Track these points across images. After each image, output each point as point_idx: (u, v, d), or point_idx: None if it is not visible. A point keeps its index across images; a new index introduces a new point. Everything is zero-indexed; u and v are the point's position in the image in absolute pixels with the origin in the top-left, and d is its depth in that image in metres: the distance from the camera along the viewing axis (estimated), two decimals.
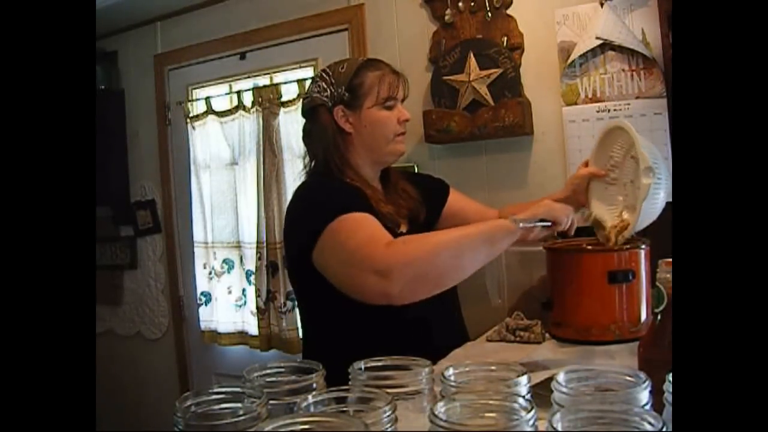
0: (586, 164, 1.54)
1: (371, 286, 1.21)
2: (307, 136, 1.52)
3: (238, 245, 2.70)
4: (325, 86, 1.47)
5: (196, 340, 2.89)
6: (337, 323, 1.39)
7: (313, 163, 1.50)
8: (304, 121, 1.53)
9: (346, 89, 1.44)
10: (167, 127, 2.95)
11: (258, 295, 2.56)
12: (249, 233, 2.63)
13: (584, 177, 1.51)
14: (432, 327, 1.41)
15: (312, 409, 0.72)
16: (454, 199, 1.69)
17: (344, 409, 0.74)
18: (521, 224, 1.22)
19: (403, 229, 1.49)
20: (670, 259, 0.89)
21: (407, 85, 1.52)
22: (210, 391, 0.78)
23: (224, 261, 2.77)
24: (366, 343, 1.16)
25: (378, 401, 0.72)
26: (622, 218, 1.43)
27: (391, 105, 1.46)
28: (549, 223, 1.26)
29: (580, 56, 1.99)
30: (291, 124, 2.48)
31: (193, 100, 2.83)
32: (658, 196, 1.33)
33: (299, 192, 1.45)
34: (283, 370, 0.88)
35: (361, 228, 1.28)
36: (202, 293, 2.82)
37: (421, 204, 1.56)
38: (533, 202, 1.65)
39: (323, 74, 1.50)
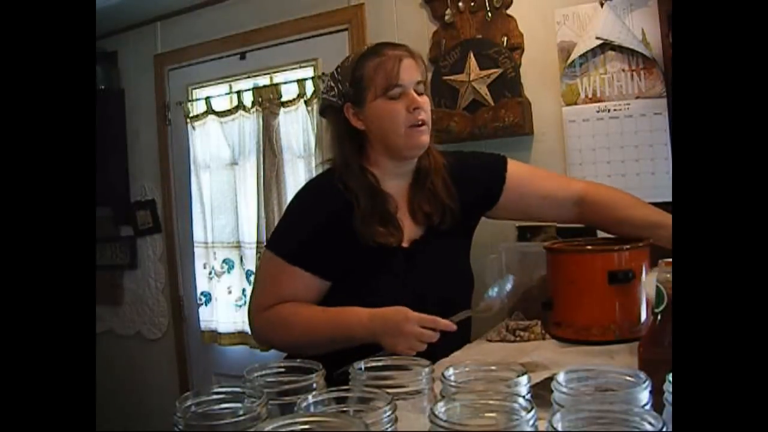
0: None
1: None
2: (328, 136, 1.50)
3: (238, 245, 2.70)
4: (333, 84, 1.38)
5: (196, 340, 2.89)
6: None
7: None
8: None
9: (351, 84, 1.34)
10: (167, 127, 2.95)
11: None
12: (249, 233, 2.63)
13: None
14: None
15: (312, 409, 0.72)
16: (514, 186, 1.47)
17: (344, 409, 0.74)
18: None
19: (415, 235, 1.40)
20: (670, 259, 0.89)
21: (422, 66, 1.36)
22: (210, 391, 0.78)
23: (224, 261, 2.78)
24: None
25: (378, 401, 0.72)
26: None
27: (395, 94, 1.31)
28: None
29: (580, 56, 1.99)
30: (291, 124, 2.48)
31: (193, 100, 2.82)
32: None
33: (298, 191, 1.48)
34: (283, 370, 0.88)
35: (269, 282, 1.38)
36: (202, 293, 2.82)
37: (449, 209, 1.40)
38: None
39: (334, 71, 1.40)
